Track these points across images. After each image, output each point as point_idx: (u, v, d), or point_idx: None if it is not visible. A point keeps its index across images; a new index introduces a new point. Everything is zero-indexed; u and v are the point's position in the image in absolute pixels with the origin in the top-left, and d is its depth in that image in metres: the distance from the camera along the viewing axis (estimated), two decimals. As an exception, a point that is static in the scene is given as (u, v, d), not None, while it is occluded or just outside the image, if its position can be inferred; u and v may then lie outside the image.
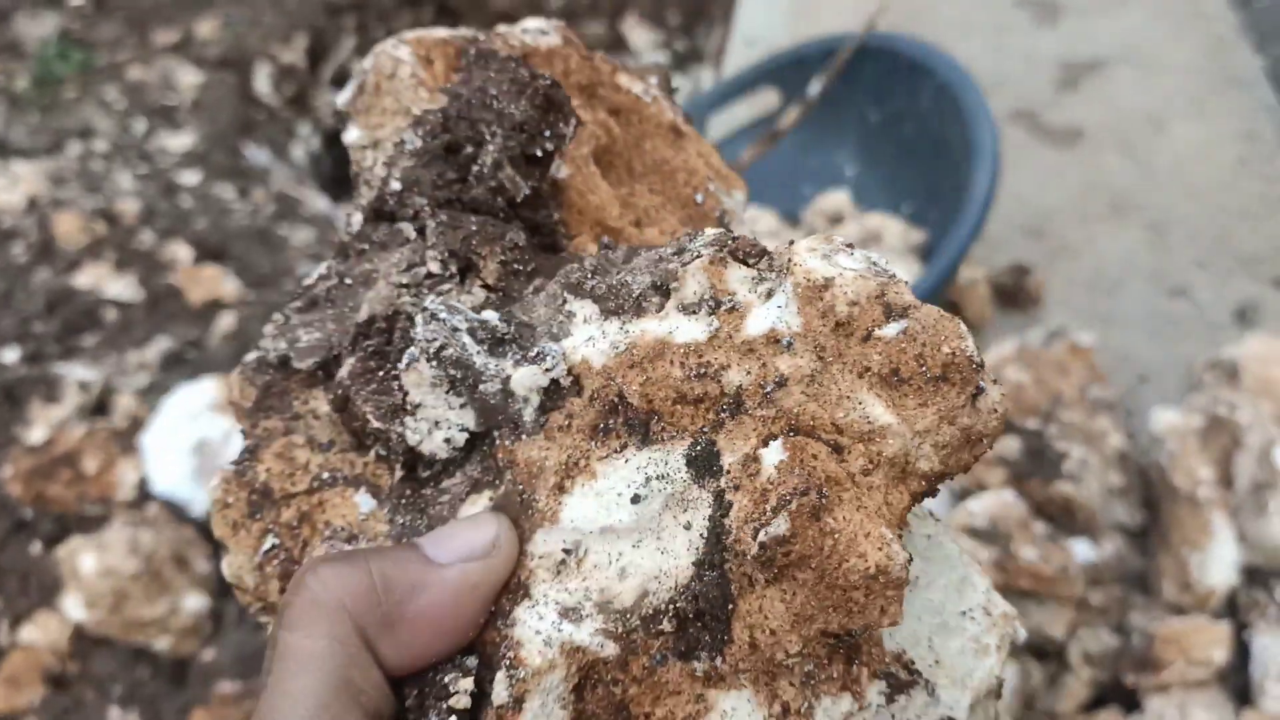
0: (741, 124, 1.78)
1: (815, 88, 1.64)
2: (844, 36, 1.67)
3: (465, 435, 0.33)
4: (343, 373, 0.34)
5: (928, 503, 0.34)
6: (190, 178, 2.13)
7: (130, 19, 2.54)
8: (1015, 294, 1.54)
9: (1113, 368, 1.40)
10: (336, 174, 2.76)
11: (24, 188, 1.92)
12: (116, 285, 1.74)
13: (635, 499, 0.30)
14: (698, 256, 0.32)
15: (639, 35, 2.64)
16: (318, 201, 2.15)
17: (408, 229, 0.37)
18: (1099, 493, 1.11)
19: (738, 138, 1.78)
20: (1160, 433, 1.18)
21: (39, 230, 1.84)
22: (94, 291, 1.75)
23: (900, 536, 0.29)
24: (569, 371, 0.32)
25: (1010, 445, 1.10)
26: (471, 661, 0.30)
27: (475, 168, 0.36)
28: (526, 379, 0.32)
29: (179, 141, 2.22)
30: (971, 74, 1.52)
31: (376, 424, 0.33)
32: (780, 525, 0.28)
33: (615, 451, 0.31)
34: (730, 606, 0.29)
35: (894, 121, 1.65)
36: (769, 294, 0.31)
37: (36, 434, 1.47)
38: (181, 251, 1.81)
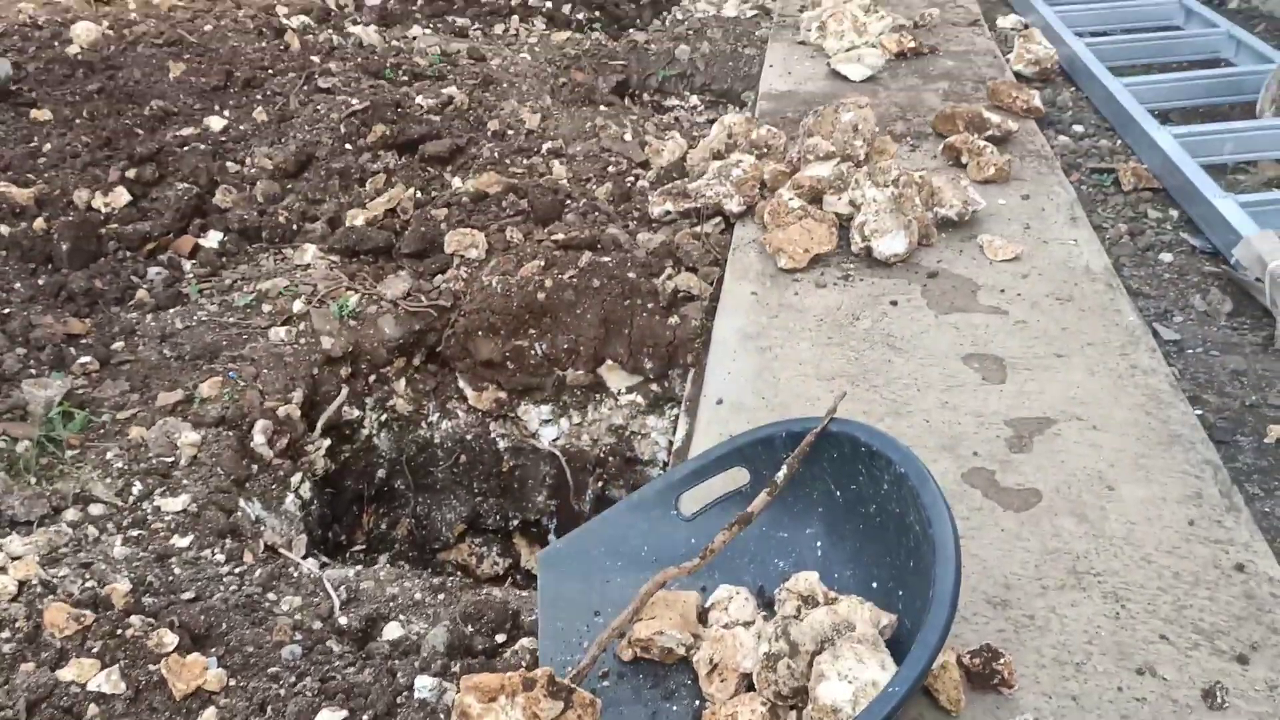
0: (714, 498, 1.88)
1: (781, 474, 1.75)
2: (806, 421, 1.80)
3: None
4: None
5: None
6: (181, 541, 2.19)
7: (134, 379, 2.69)
8: (987, 678, 1.58)
9: (1090, 762, 1.41)
10: (323, 515, 2.84)
11: (15, 572, 1.96)
12: (100, 679, 1.75)
13: None
14: None
15: (617, 379, 2.81)
16: (306, 564, 2.19)
17: None
18: None
19: (711, 511, 1.87)
20: None
21: (28, 619, 1.87)
22: (77, 683, 1.75)
23: None
24: None
25: None
26: None
27: None
28: None
29: (173, 503, 2.30)
30: (926, 467, 1.62)
31: None
32: None
33: None
34: None
35: (858, 502, 1.75)
36: None
37: None
38: (168, 637, 1.83)
